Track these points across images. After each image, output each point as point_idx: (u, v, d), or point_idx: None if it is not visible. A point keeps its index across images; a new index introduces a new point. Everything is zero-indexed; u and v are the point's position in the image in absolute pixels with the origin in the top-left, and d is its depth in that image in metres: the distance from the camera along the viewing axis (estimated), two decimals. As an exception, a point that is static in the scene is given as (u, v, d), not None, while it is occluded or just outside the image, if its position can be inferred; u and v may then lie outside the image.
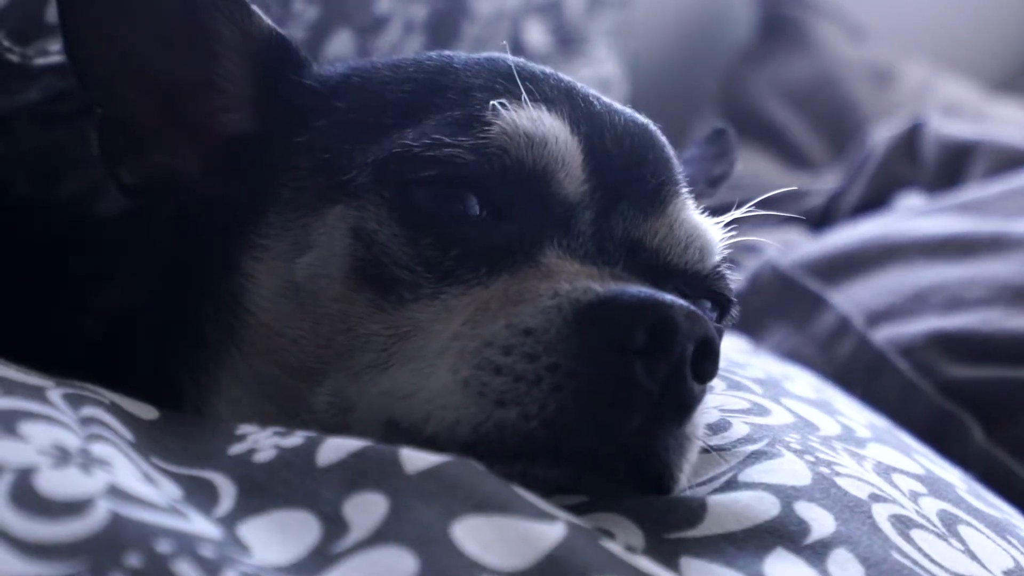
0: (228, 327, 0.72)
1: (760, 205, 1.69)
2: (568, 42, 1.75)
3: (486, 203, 0.69)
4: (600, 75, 1.73)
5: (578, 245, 0.69)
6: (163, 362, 0.74)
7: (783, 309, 1.17)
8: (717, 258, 0.76)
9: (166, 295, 0.75)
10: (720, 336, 0.75)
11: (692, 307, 0.63)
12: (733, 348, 0.97)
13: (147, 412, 0.65)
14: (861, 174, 1.53)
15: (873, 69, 2.06)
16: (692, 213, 0.75)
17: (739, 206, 1.70)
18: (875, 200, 1.49)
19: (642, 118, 0.77)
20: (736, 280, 1.23)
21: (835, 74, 2.02)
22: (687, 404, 0.63)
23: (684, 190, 0.76)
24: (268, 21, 0.77)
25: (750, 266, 1.23)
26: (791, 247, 1.39)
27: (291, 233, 0.71)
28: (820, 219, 1.54)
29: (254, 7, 0.77)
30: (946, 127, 1.55)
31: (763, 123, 1.95)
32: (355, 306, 0.68)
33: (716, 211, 1.68)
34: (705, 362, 0.63)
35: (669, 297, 0.63)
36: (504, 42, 1.49)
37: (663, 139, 0.77)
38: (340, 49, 1.27)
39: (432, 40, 1.39)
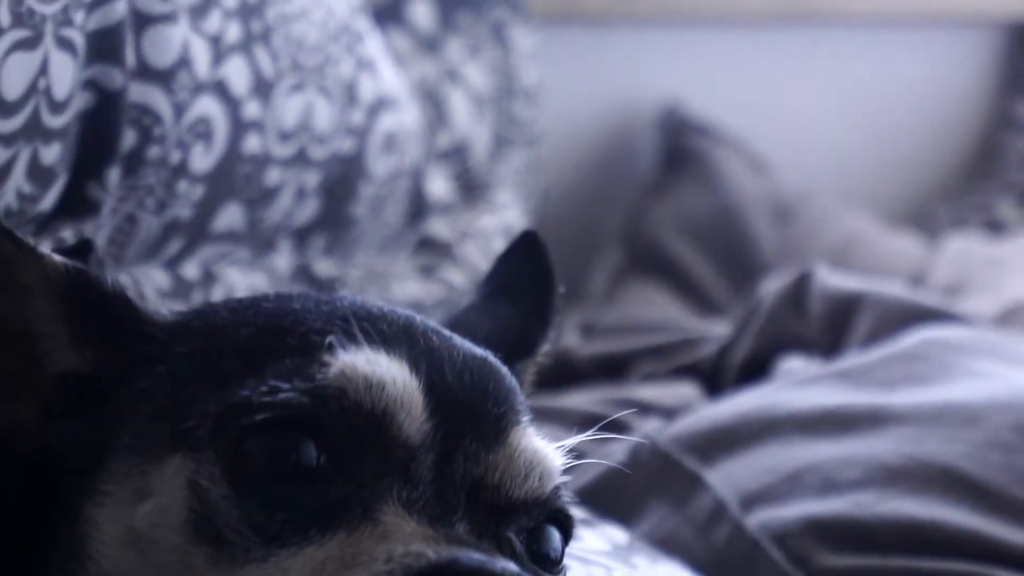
0: (71, 574, 0.71)
1: (656, 354, 1.70)
2: (472, 188, 1.77)
3: (325, 449, 0.68)
4: (504, 222, 1.75)
5: (418, 496, 0.69)
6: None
7: (662, 487, 1.18)
8: (557, 480, 0.75)
9: (9, 538, 0.75)
10: None
11: (523, 573, 0.64)
12: (600, 550, 0.98)
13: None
14: (749, 327, 1.55)
15: (774, 203, 2.09)
16: (532, 440, 0.75)
17: (635, 355, 1.70)
18: (763, 354, 1.51)
19: (480, 350, 0.77)
20: (617, 453, 1.24)
21: (737, 208, 2.05)
22: (515, 676, 0.64)
23: (524, 418, 0.76)
24: (61, 260, 0.76)
25: (631, 440, 1.24)
26: (680, 408, 1.41)
27: (131, 480, 0.71)
28: (711, 370, 1.56)
29: (41, 250, 0.76)
30: (832, 279, 1.58)
31: (664, 259, 1.97)
32: (193, 559, 0.68)
33: (606, 361, 1.66)
34: None
35: (500, 564, 0.63)
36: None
37: (503, 369, 0.78)
38: (230, 222, 1.28)
39: (327, 203, 1.40)
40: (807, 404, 1.22)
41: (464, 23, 1.89)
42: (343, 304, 0.75)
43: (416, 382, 0.71)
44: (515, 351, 0.87)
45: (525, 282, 0.91)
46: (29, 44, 0.96)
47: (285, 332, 0.72)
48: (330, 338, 0.70)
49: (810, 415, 1.20)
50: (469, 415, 0.72)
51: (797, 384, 1.29)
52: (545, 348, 0.90)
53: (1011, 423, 1.17)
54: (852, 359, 1.35)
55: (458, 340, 0.77)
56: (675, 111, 2.24)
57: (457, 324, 0.88)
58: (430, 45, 1.84)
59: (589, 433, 0.77)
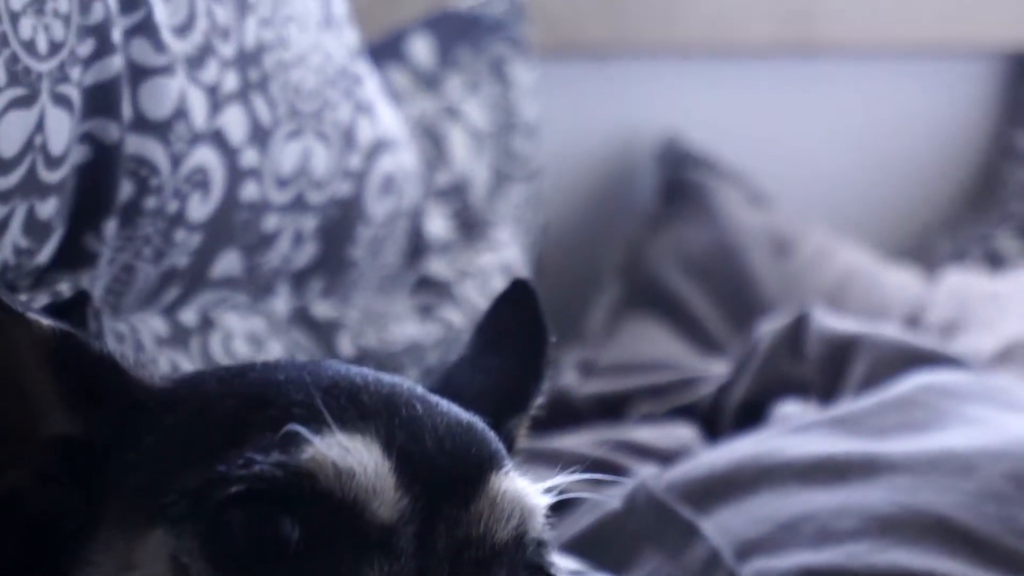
0: None
1: (654, 394, 1.70)
2: (471, 226, 1.78)
3: (301, 525, 0.68)
4: (503, 260, 1.75)
5: (399, 568, 0.68)
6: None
7: (657, 536, 1.18)
8: (540, 519, 0.75)
9: None
10: None
11: None
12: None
13: None
14: (746, 368, 1.56)
15: (773, 237, 2.09)
16: (513, 481, 0.74)
17: (633, 394, 1.70)
18: (760, 395, 1.51)
19: (466, 415, 0.77)
20: (613, 499, 1.24)
21: (736, 243, 2.04)
22: None
23: (507, 467, 0.75)
24: (49, 324, 0.76)
25: (625, 487, 1.24)
26: (677, 451, 1.41)
27: (117, 552, 0.72)
28: (709, 410, 1.56)
29: (30, 314, 0.76)
30: (829, 320, 1.58)
31: (664, 294, 1.97)
32: None
33: (604, 401, 1.64)
34: None
35: None
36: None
37: (488, 433, 0.77)
38: (227, 268, 1.29)
39: (325, 246, 1.40)
40: (802, 452, 1.22)
41: (464, 59, 1.90)
42: (327, 374, 0.75)
43: (388, 465, 0.70)
44: (507, 407, 0.87)
45: (517, 334, 0.91)
46: (25, 102, 0.97)
47: (267, 405, 0.72)
48: (293, 426, 0.70)
49: (805, 463, 1.21)
50: (449, 482, 0.72)
51: (792, 431, 1.30)
52: (538, 402, 0.90)
53: (1005, 472, 1.17)
54: (847, 406, 1.35)
55: (443, 407, 0.77)
56: (675, 144, 2.24)
57: (448, 381, 0.88)
58: (429, 82, 1.84)
59: (570, 472, 0.76)
